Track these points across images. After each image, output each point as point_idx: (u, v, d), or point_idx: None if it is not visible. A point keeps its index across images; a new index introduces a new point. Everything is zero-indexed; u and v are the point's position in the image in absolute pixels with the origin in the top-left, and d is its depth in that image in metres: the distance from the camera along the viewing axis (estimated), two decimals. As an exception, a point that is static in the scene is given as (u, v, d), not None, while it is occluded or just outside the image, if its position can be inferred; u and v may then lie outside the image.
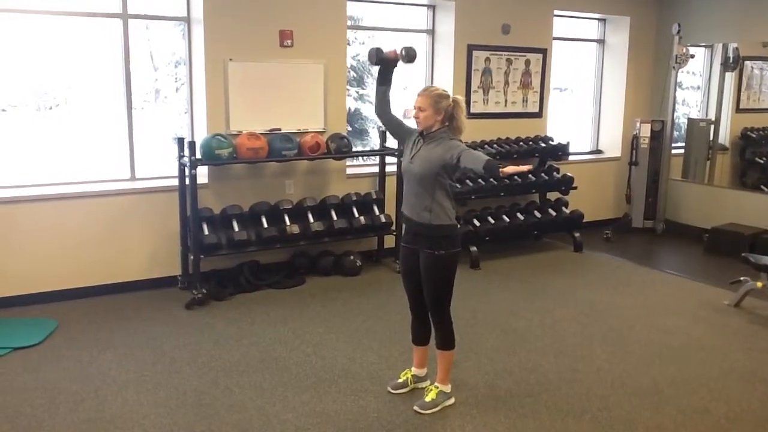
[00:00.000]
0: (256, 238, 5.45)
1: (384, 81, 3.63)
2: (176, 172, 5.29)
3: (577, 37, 8.00)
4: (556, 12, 7.22)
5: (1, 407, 3.55)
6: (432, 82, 6.76)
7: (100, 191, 5.26)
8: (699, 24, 7.50)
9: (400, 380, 3.80)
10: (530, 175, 6.80)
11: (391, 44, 3.75)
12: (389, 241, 6.26)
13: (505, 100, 7.07)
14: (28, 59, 5.71)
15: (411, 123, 3.63)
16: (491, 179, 6.38)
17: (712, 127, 7.94)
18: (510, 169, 3.07)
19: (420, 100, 3.44)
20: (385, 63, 3.61)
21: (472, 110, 6.68)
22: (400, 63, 3.62)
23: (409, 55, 3.58)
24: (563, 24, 7.52)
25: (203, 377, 3.93)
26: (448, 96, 3.45)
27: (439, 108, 3.41)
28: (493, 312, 5.07)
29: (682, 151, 8.08)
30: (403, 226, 3.66)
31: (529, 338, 4.59)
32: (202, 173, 5.43)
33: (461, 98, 3.50)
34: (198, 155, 5.17)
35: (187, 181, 5.15)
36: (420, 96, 3.45)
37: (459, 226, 3.59)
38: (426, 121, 3.43)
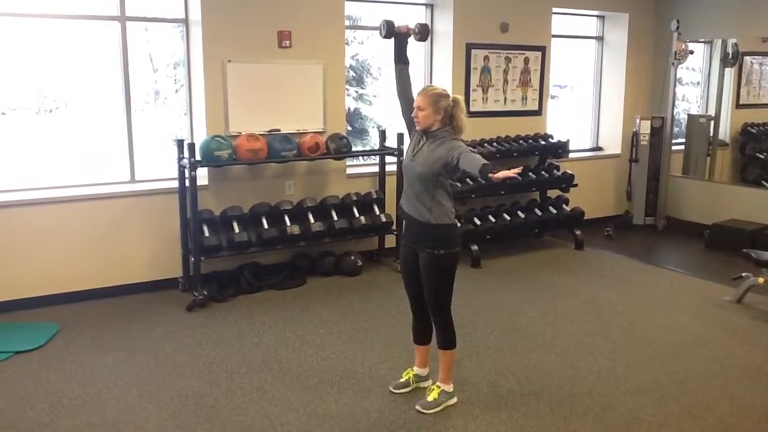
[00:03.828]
0: (257, 239, 5.45)
1: (401, 58, 3.59)
2: (176, 174, 5.29)
3: (576, 35, 7.99)
4: (554, 9, 7.21)
5: (3, 411, 3.55)
6: (431, 82, 6.75)
7: (101, 194, 5.26)
8: (698, 20, 7.48)
9: (402, 380, 3.80)
10: (530, 173, 6.80)
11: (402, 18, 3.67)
12: (390, 241, 6.25)
13: (505, 99, 7.06)
14: (28, 62, 5.71)
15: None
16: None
17: (712, 123, 7.93)
18: (500, 174, 3.07)
19: (419, 100, 3.43)
20: (397, 37, 3.55)
21: (472, 109, 6.67)
22: (412, 39, 3.57)
23: (422, 32, 3.54)
24: (562, 21, 7.51)
25: (205, 379, 3.93)
26: (448, 95, 3.44)
27: (438, 107, 3.40)
28: (495, 310, 5.07)
29: (682, 147, 8.07)
30: (404, 225, 3.66)
31: (531, 336, 4.59)
32: (202, 175, 5.42)
33: (461, 98, 3.50)
34: (198, 157, 5.17)
35: (187, 183, 5.15)
36: (419, 95, 3.44)
37: (459, 224, 3.59)
38: (425, 120, 3.42)
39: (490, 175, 3.09)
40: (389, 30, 3.54)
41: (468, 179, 6.39)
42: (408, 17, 6.81)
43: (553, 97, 7.86)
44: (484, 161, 3.21)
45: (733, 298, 5.30)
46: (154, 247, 5.43)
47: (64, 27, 5.47)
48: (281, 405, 3.63)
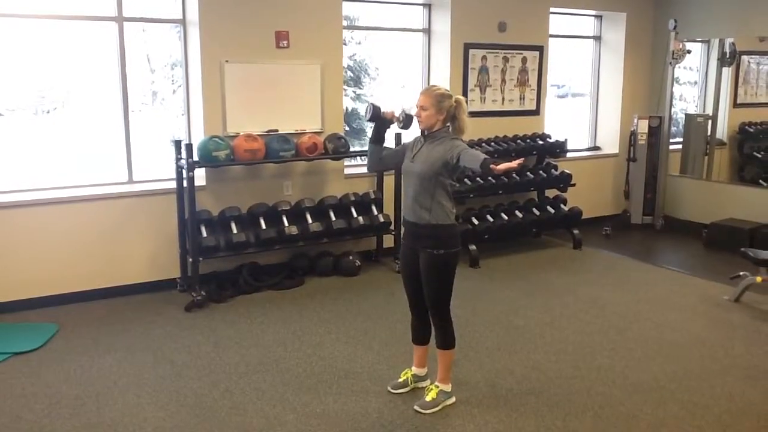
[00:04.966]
0: (255, 240, 5.44)
1: (378, 139, 3.64)
2: (174, 175, 5.29)
3: (574, 34, 8.00)
4: (552, 9, 7.21)
5: (2, 412, 3.54)
6: (429, 82, 6.75)
7: (98, 195, 5.25)
8: (695, 19, 7.49)
9: (401, 380, 3.80)
10: (528, 173, 6.80)
11: (390, 104, 3.71)
12: (388, 241, 6.26)
13: (503, 98, 7.06)
14: (26, 63, 5.70)
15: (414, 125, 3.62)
16: (490, 177, 6.39)
17: (710, 122, 7.94)
18: (502, 166, 3.07)
19: (422, 99, 3.44)
20: (380, 121, 3.59)
21: (470, 108, 6.63)
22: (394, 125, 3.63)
23: (406, 122, 3.58)
24: (559, 21, 7.51)
25: (203, 380, 3.92)
26: (451, 96, 3.45)
27: (441, 108, 3.41)
28: (493, 310, 5.07)
29: (680, 146, 8.08)
30: (402, 225, 3.66)
31: (530, 336, 4.59)
32: (200, 175, 5.42)
33: (464, 98, 3.51)
34: (195, 157, 5.16)
35: (185, 184, 5.14)
36: (423, 95, 3.45)
37: (458, 224, 3.59)
38: (428, 120, 3.43)
39: (491, 166, 3.09)
40: (375, 114, 3.57)
41: (466, 179, 6.40)
42: (407, 17, 6.82)
43: (561, 96, 7.85)
44: (485, 156, 3.22)
45: (731, 296, 5.31)
46: (152, 247, 5.42)
47: (62, 28, 5.46)
48: (280, 405, 3.63)
